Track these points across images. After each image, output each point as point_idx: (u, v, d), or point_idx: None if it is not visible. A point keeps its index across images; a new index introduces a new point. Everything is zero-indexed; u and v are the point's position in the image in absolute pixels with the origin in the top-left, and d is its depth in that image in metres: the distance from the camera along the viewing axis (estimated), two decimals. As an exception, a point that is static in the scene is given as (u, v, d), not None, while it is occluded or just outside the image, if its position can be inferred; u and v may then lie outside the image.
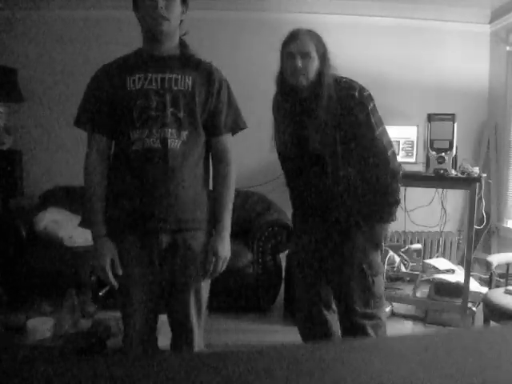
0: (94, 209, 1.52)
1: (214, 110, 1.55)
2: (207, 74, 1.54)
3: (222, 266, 1.59)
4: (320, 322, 2.02)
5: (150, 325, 1.62)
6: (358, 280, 1.88)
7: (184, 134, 1.48)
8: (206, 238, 1.58)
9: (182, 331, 1.62)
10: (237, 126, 1.62)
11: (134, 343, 1.59)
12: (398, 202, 1.87)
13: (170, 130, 1.46)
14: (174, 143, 1.47)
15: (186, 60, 1.54)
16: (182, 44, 1.57)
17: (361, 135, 1.80)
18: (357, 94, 1.78)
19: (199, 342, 1.63)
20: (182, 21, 1.54)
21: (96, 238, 1.53)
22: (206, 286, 1.63)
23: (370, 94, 1.81)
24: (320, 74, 1.76)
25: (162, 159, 1.46)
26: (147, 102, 1.46)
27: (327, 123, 1.77)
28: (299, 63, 1.72)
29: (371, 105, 1.79)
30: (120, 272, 1.51)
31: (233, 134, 1.64)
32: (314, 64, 1.75)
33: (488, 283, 2.71)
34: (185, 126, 1.49)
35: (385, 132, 1.84)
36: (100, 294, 2.39)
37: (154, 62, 1.50)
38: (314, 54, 1.74)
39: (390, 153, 1.83)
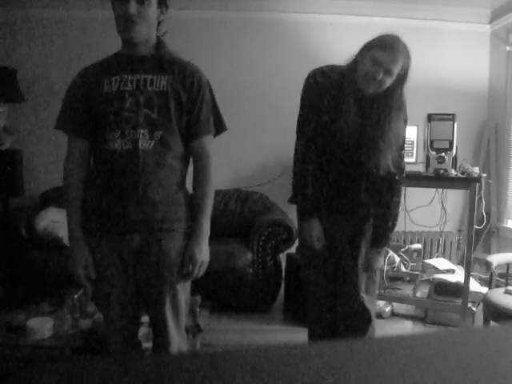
0: (70, 211, 1.51)
1: (192, 110, 1.52)
2: (184, 75, 1.51)
3: (199, 271, 1.54)
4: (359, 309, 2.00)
5: (131, 326, 1.61)
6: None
7: (158, 134, 1.46)
8: (183, 240, 1.53)
9: (159, 334, 1.58)
10: (218, 128, 1.58)
11: (116, 344, 1.59)
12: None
13: (141, 130, 1.44)
14: (146, 144, 1.45)
15: (162, 60, 1.52)
16: (160, 44, 1.55)
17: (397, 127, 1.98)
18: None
19: (179, 345, 1.58)
20: (161, 21, 1.52)
21: (71, 241, 1.51)
22: (184, 290, 1.57)
23: None
24: (396, 84, 1.76)
25: (132, 159, 1.44)
26: (122, 103, 1.45)
27: (391, 113, 1.87)
28: (380, 76, 1.69)
29: None
30: (93, 276, 1.50)
31: (215, 136, 1.60)
32: (390, 81, 1.72)
33: (488, 283, 2.71)
34: (158, 126, 1.47)
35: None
36: (75, 296, 2.36)
37: (131, 64, 1.48)
38: (396, 73, 1.71)
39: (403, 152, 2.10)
